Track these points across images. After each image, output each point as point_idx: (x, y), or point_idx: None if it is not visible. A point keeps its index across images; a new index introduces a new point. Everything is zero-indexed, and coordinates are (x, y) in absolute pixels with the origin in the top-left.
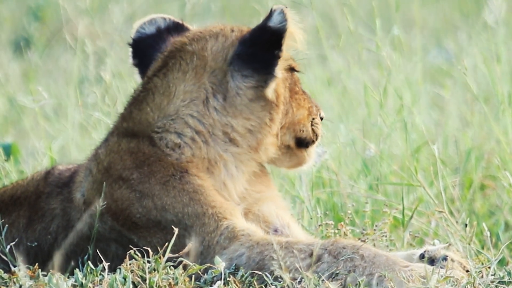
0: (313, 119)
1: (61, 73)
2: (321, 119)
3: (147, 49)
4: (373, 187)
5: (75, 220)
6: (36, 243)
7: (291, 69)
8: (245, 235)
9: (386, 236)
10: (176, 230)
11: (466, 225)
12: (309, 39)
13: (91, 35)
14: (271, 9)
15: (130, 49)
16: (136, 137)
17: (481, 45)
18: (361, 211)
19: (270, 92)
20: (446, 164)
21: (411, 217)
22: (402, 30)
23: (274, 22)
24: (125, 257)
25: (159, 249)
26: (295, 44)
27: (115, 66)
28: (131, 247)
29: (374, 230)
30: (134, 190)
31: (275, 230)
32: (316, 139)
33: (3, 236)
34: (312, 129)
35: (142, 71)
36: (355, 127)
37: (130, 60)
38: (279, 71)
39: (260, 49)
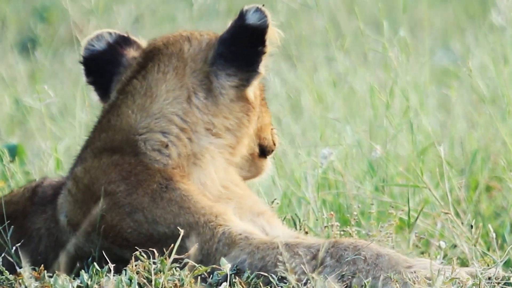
0: (272, 129)
1: (67, 74)
2: None
3: (102, 65)
4: (379, 189)
5: (62, 241)
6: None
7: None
8: (244, 238)
9: (391, 237)
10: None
11: (471, 226)
12: (316, 40)
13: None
14: (242, 9)
15: (82, 67)
16: (118, 149)
17: (488, 47)
18: (367, 212)
19: (251, 91)
20: (452, 166)
21: (417, 218)
22: (409, 32)
23: (252, 20)
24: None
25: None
26: (274, 41)
27: None
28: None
29: (380, 231)
30: (123, 204)
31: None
32: (274, 149)
33: (8, 238)
34: (272, 140)
35: (99, 87)
36: (361, 128)
37: (84, 78)
38: (263, 68)
39: (243, 47)
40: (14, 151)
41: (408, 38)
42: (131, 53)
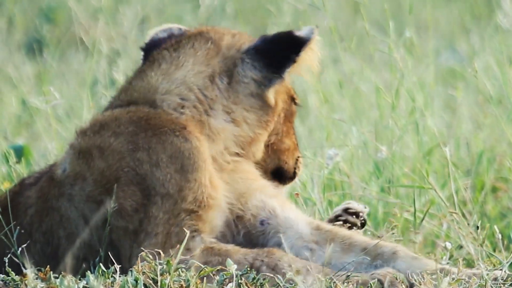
0: (298, 157)
1: (73, 74)
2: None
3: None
4: (384, 190)
5: (53, 198)
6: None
7: (292, 99)
8: (191, 238)
9: (396, 239)
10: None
11: (477, 227)
12: (323, 41)
13: (103, 37)
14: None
15: (142, 53)
16: (134, 102)
17: (493, 47)
18: (372, 213)
19: (271, 93)
20: (458, 167)
21: (423, 219)
22: (415, 32)
23: (300, 32)
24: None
25: (127, 208)
26: (311, 62)
27: (127, 68)
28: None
29: (386, 231)
30: (128, 142)
31: (261, 223)
32: (293, 179)
33: (14, 239)
34: (294, 167)
35: None
36: (367, 129)
37: (141, 63)
38: (287, 75)
39: (279, 48)
40: (20, 152)
41: (414, 39)
42: None
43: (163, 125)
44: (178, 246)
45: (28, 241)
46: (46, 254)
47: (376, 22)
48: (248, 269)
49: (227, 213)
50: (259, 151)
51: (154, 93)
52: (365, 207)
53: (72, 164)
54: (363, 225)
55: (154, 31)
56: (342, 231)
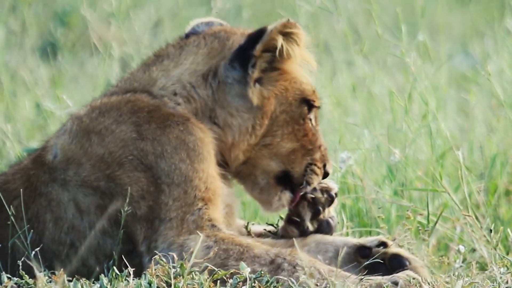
0: (311, 164)
1: (87, 78)
2: (326, 174)
3: None
4: (398, 193)
5: (41, 185)
6: None
7: (303, 101)
8: (210, 226)
9: (409, 242)
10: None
11: (491, 230)
12: (336, 44)
13: (117, 41)
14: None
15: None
16: (132, 90)
17: (506, 51)
18: (386, 217)
19: (252, 93)
20: (471, 170)
21: (436, 222)
22: (428, 36)
23: (271, 25)
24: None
25: (134, 194)
26: (290, 54)
27: None
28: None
29: (399, 234)
30: (131, 131)
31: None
32: (302, 185)
33: (28, 242)
34: (304, 173)
35: None
36: (380, 132)
37: None
38: (253, 70)
39: (249, 44)
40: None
41: (427, 43)
42: None
43: (166, 118)
44: (195, 232)
45: (41, 245)
46: (29, 242)
47: (390, 26)
48: (269, 264)
49: None
50: (238, 157)
51: (152, 85)
52: (334, 184)
53: (64, 149)
54: (330, 202)
55: (196, 22)
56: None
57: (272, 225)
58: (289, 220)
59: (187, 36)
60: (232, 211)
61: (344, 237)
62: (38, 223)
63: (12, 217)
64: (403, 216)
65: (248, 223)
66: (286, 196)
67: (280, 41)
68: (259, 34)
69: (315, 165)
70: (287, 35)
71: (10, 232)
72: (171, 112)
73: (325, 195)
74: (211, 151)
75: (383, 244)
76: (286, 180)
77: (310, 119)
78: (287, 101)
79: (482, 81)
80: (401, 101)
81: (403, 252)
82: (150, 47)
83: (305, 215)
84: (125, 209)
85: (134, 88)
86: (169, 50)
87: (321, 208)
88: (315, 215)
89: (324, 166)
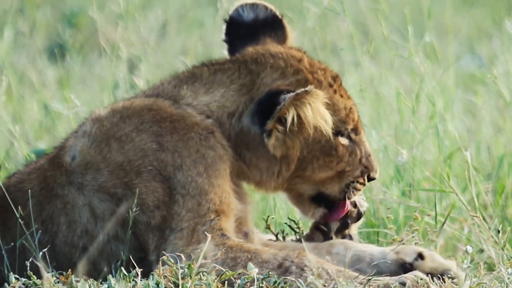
0: (352, 181)
1: (95, 79)
2: (371, 180)
3: (240, 31)
4: (405, 193)
5: (57, 186)
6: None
7: (337, 133)
8: (220, 235)
9: (417, 243)
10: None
11: (499, 231)
12: (343, 45)
13: (125, 42)
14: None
15: (224, 25)
16: (158, 97)
17: None
18: (393, 217)
19: (272, 149)
20: (479, 170)
21: (444, 223)
22: (436, 37)
23: (282, 98)
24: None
25: (149, 204)
26: (305, 118)
27: (148, 73)
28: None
29: (407, 235)
30: (152, 141)
31: (245, 234)
32: (341, 200)
33: (36, 243)
34: (344, 191)
35: (231, 49)
36: (388, 133)
37: (222, 35)
38: (271, 139)
39: (264, 108)
40: (42, 156)
41: (434, 44)
42: (267, 39)
43: (190, 130)
44: (205, 241)
45: (49, 246)
46: (42, 243)
47: (397, 27)
48: (277, 268)
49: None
50: (270, 189)
51: (178, 99)
52: (365, 202)
53: (83, 152)
54: (357, 219)
55: (241, 3)
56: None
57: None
58: (316, 227)
59: (231, 18)
60: (246, 221)
61: (378, 247)
62: (52, 224)
63: (25, 218)
64: (410, 216)
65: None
66: (320, 212)
67: (291, 113)
68: (271, 104)
69: (356, 181)
70: (299, 100)
71: (18, 233)
72: (196, 122)
73: (356, 210)
74: (228, 169)
75: (420, 256)
76: (321, 199)
77: (344, 143)
78: (314, 142)
79: (489, 82)
80: (408, 102)
81: (442, 263)
82: (158, 48)
83: (332, 224)
84: (134, 210)
85: (158, 95)
86: (203, 71)
87: (349, 222)
88: (343, 228)
89: (368, 175)
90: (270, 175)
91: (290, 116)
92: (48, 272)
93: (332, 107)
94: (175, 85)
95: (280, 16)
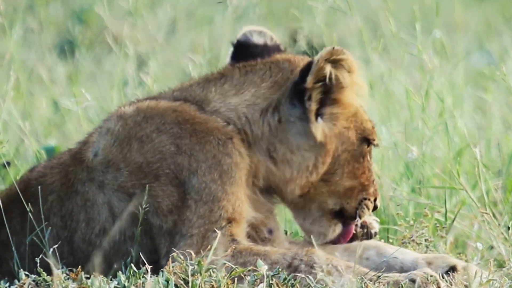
0: (365, 198)
1: (105, 75)
2: (375, 208)
3: (248, 52)
4: (415, 190)
5: (78, 182)
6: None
7: (363, 140)
8: (230, 241)
9: (427, 240)
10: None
11: (509, 228)
12: (352, 42)
13: (133, 39)
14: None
15: (231, 49)
16: (183, 101)
17: None
18: (403, 214)
19: (314, 129)
20: (489, 167)
21: (454, 220)
22: (445, 34)
23: (318, 56)
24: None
25: (164, 208)
26: (344, 83)
27: (157, 69)
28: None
29: (417, 231)
30: (171, 143)
31: (269, 230)
32: (353, 218)
33: (46, 239)
34: (357, 207)
35: None
36: (397, 130)
37: (228, 59)
38: (312, 103)
39: (301, 79)
40: (52, 153)
41: (444, 40)
42: None
43: (209, 133)
44: (214, 246)
45: (59, 242)
46: (61, 239)
47: (406, 23)
48: (286, 268)
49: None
50: (296, 190)
51: (206, 104)
52: (377, 222)
53: (105, 150)
54: (368, 236)
55: (249, 28)
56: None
57: None
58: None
59: (239, 42)
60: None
61: (411, 254)
62: (71, 221)
63: (46, 212)
64: (420, 213)
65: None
66: (339, 228)
67: (328, 68)
68: (308, 66)
69: (368, 199)
70: (335, 62)
71: (28, 229)
72: (216, 127)
73: (364, 230)
74: (243, 177)
75: (453, 269)
76: (340, 214)
77: (369, 155)
78: (349, 140)
79: (499, 79)
80: (418, 99)
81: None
82: (166, 45)
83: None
84: (145, 209)
85: (185, 98)
86: (234, 73)
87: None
88: None
89: (375, 200)
90: (304, 169)
91: (328, 71)
92: (58, 269)
93: (361, 115)
94: (203, 87)
95: (283, 47)
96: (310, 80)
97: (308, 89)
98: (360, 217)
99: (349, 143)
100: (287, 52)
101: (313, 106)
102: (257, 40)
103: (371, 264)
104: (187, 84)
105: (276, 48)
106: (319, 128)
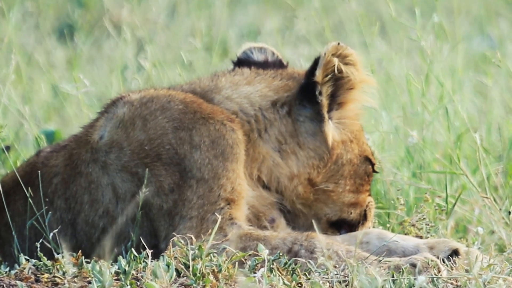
0: (367, 207)
1: (104, 60)
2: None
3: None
4: (416, 175)
5: (82, 163)
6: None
7: (366, 159)
8: (230, 225)
9: (428, 224)
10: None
11: (509, 212)
12: (352, 26)
13: (133, 23)
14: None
15: (232, 66)
16: (191, 91)
17: None
18: (404, 199)
19: (327, 128)
20: (489, 152)
21: (454, 204)
22: (445, 18)
23: (323, 51)
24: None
25: (165, 187)
26: (350, 77)
27: (157, 54)
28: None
29: (417, 215)
30: (173, 120)
31: (272, 219)
32: (355, 226)
33: (46, 223)
34: (359, 218)
35: None
36: (398, 114)
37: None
38: (323, 98)
39: (308, 77)
40: (52, 137)
41: (444, 25)
42: None
43: (214, 113)
44: (213, 230)
45: (60, 226)
46: (64, 221)
47: (406, 8)
48: (286, 253)
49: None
50: (299, 187)
51: (216, 93)
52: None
53: (111, 132)
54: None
55: (249, 46)
56: None
57: None
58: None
59: (239, 60)
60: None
61: (413, 240)
62: (75, 203)
63: (50, 195)
64: (421, 198)
65: None
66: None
67: (336, 61)
68: (315, 63)
69: (368, 207)
70: (341, 58)
71: (28, 213)
72: (220, 111)
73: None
74: (242, 158)
75: (456, 252)
76: (339, 225)
77: (371, 174)
78: (353, 152)
79: (499, 63)
80: (418, 83)
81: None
82: (167, 29)
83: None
84: (144, 191)
85: (194, 91)
86: (244, 70)
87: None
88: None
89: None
90: (309, 166)
91: (336, 62)
92: (59, 253)
93: (363, 137)
94: (212, 79)
95: (286, 63)
96: (319, 73)
97: (318, 84)
98: (363, 226)
99: (353, 154)
100: (289, 67)
101: (324, 101)
102: (258, 57)
103: (372, 248)
104: (196, 79)
105: (278, 63)
106: (330, 129)
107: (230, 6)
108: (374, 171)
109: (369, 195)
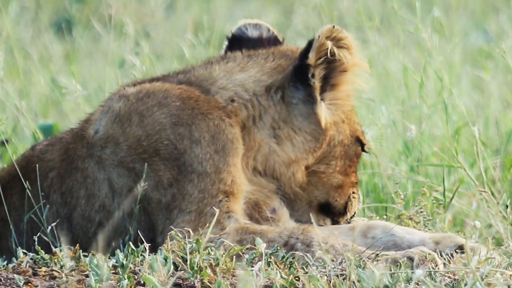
0: (353, 193)
1: (102, 54)
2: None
3: (244, 46)
4: (414, 169)
5: (78, 158)
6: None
7: (358, 140)
8: (227, 218)
9: (425, 218)
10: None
11: (507, 206)
12: (350, 21)
13: (132, 17)
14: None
15: (226, 42)
16: (186, 82)
17: None
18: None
19: (319, 110)
20: (487, 145)
21: (452, 198)
22: (444, 13)
23: (316, 34)
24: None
25: (164, 181)
26: (344, 60)
27: (155, 48)
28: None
29: (415, 208)
30: (171, 115)
31: (273, 210)
32: (344, 215)
33: (44, 217)
34: (346, 203)
35: None
36: (396, 108)
37: (222, 51)
38: (316, 81)
39: (301, 59)
40: (49, 131)
41: (442, 19)
42: None
43: (211, 109)
44: (211, 224)
45: (58, 220)
46: (60, 216)
47: (405, 3)
48: (282, 247)
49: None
50: (298, 173)
51: (211, 84)
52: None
53: (106, 126)
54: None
55: (244, 22)
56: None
57: None
58: None
59: (234, 36)
60: (273, 197)
61: (419, 234)
62: (71, 198)
63: (45, 189)
64: (419, 192)
65: None
66: (328, 223)
67: (329, 44)
68: (309, 45)
69: (355, 193)
70: (335, 41)
71: (26, 206)
72: (218, 106)
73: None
74: (240, 151)
75: (461, 248)
76: (328, 210)
77: (360, 156)
78: (345, 133)
79: (498, 57)
80: (416, 77)
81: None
82: (165, 23)
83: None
84: (147, 185)
85: (189, 81)
86: (237, 55)
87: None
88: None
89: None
90: (306, 150)
91: (329, 45)
92: (57, 247)
93: (354, 116)
94: (206, 67)
95: (281, 39)
96: (312, 56)
97: (311, 66)
98: (349, 212)
99: (345, 135)
100: (285, 43)
101: (317, 83)
102: (252, 33)
103: (378, 243)
104: (189, 67)
105: (274, 39)
106: (323, 111)
107: (229, 0)
108: (363, 150)
109: (356, 182)
